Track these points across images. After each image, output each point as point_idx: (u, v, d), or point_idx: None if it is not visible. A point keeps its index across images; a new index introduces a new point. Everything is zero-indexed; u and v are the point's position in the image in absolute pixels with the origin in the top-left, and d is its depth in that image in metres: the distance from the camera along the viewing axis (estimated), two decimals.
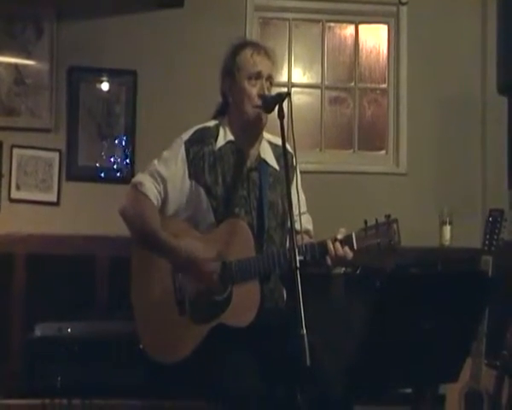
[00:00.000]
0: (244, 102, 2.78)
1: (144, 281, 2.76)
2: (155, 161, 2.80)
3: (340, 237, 2.63)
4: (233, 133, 2.84)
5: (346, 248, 2.62)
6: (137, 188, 2.75)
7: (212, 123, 2.89)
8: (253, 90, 2.78)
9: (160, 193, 2.74)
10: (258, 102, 2.76)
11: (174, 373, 2.73)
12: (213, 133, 2.83)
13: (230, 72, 2.84)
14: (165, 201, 2.76)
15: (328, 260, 2.62)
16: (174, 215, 2.79)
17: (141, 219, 2.72)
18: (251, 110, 2.77)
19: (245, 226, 2.72)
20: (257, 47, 2.85)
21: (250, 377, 2.51)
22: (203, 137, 2.81)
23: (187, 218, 2.79)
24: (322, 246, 2.63)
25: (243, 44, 2.89)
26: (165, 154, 2.81)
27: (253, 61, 2.79)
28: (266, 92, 2.77)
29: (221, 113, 2.94)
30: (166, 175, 2.75)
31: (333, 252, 2.61)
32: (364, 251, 2.62)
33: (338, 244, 2.61)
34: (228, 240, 2.69)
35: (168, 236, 2.68)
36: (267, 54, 2.85)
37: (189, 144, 2.78)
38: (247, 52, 2.82)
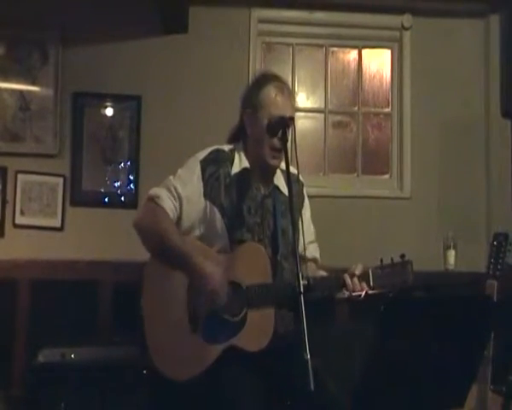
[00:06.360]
0: (263, 144, 2.79)
1: (158, 296, 2.73)
2: (171, 177, 2.80)
3: (357, 273, 2.69)
4: (249, 162, 2.85)
5: (364, 284, 2.69)
6: (154, 200, 2.73)
7: (227, 147, 2.89)
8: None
9: (175, 208, 2.74)
10: (277, 144, 2.77)
11: (178, 398, 2.70)
12: (229, 157, 2.84)
13: (253, 105, 2.84)
14: (179, 217, 2.75)
15: (345, 293, 2.69)
16: (186, 232, 2.78)
17: (160, 231, 2.70)
18: (269, 157, 2.79)
19: (263, 251, 2.73)
20: (280, 86, 2.84)
21: (257, 404, 2.50)
22: (219, 159, 2.82)
23: (200, 236, 2.79)
24: (339, 280, 2.70)
25: (267, 79, 2.88)
26: (181, 171, 2.81)
27: (276, 104, 2.79)
28: (288, 136, 2.77)
29: (236, 137, 2.95)
30: (182, 192, 2.74)
31: (351, 287, 2.67)
32: (379, 288, 2.67)
33: (356, 280, 2.68)
34: (246, 263, 2.70)
35: (191, 250, 2.67)
36: (289, 94, 2.87)
37: (204, 164, 2.79)
38: (271, 91, 2.82)
